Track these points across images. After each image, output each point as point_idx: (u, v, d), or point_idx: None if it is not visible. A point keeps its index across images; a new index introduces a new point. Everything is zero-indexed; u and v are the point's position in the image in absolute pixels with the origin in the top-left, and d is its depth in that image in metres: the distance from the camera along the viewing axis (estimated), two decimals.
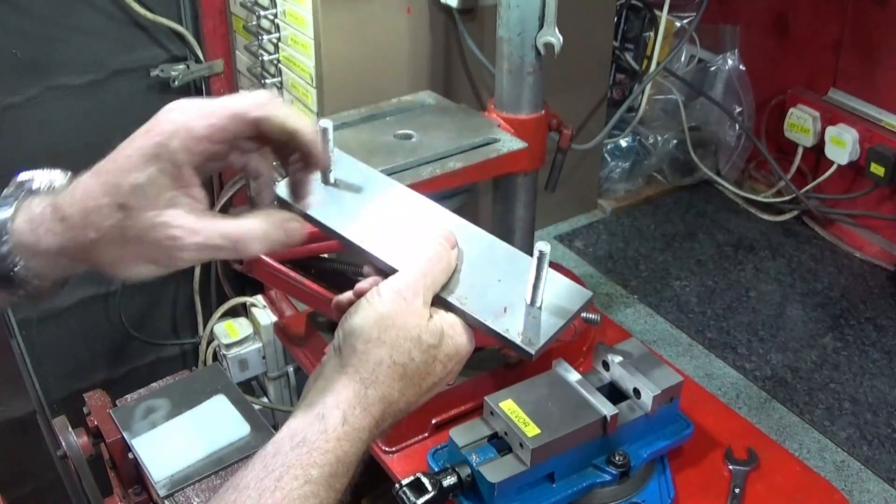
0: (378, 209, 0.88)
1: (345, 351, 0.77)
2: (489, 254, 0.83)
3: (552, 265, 0.80)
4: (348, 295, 0.81)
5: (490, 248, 0.84)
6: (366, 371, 0.76)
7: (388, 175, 1.11)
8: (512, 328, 0.79)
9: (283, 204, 0.84)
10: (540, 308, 0.80)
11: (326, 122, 0.84)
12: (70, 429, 1.44)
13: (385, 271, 0.81)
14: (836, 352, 1.56)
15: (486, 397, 1.11)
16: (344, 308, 0.80)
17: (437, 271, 0.79)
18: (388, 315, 0.76)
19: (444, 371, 0.80)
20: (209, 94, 1.87)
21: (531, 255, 0.79)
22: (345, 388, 0.75)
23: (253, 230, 0.73)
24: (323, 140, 0.85)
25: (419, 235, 0.82)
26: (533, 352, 0.78)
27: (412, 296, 0.77)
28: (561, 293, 0.81)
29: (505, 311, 0.79)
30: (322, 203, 0.87)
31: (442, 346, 0.78)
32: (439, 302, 0.80)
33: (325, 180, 0.90)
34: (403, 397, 0.77)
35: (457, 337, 0.80)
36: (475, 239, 0.84)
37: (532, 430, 1.05)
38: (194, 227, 0.71)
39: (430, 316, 0.78)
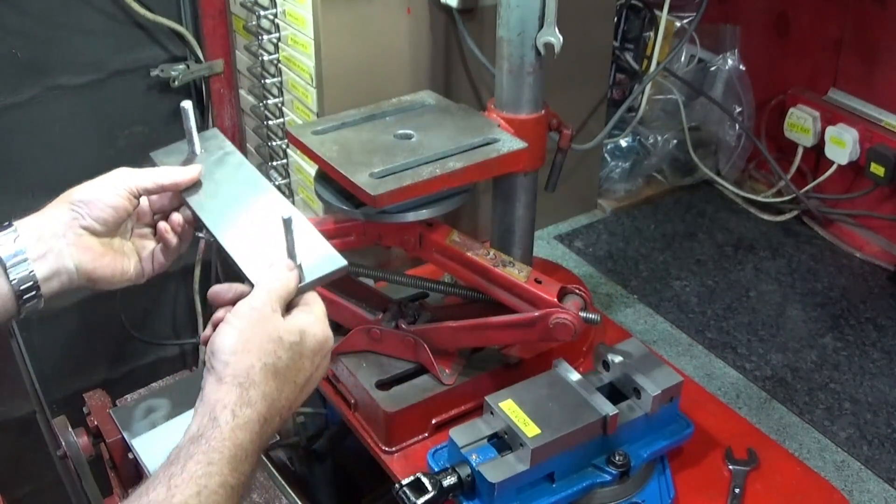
0: (231, 197, 1.05)
1: (217, 367, 0.85)
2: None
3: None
4: (209, 329, 0.92)
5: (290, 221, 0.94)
6: (241, 377, 0.84)
7: (387, 175, 1.11)
8: (260, 275, 0.93)
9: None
10: (299, 267, 0.94)
11: (186, 104, 1.06)
12: (70, 429, 1.44)
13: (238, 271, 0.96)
14: (836, 352, 1.56)
15: (486, 397, 1.11)
16: (208, 339, 0.90)
17: (281, 290, 0.90)
18: (247, 327, 0.86)
19: (313, 366, 0.90)
20: (209, 93, 1.87)
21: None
22: (227, 393, 0.83)
23: None
24: (185, 119, 1.08)
25: (263, 238, 0.98)
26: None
27: (268, 310, 0.88)
28: (317, 259, 0.96)
29: (270, 266, 0.93)
30: (194, 189, 1.06)
31: (304, 342, 0.89)
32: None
33: (192, 152, 1.11)
34: (283, 394, 0.86)
35: (317, 333, 0.90)
36: (283, 211, 0.95)
37: (532, 430, 1.05)
38: None
39: (285, 319, 0.89)
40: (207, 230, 1.03)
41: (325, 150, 1.17)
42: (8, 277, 0.95)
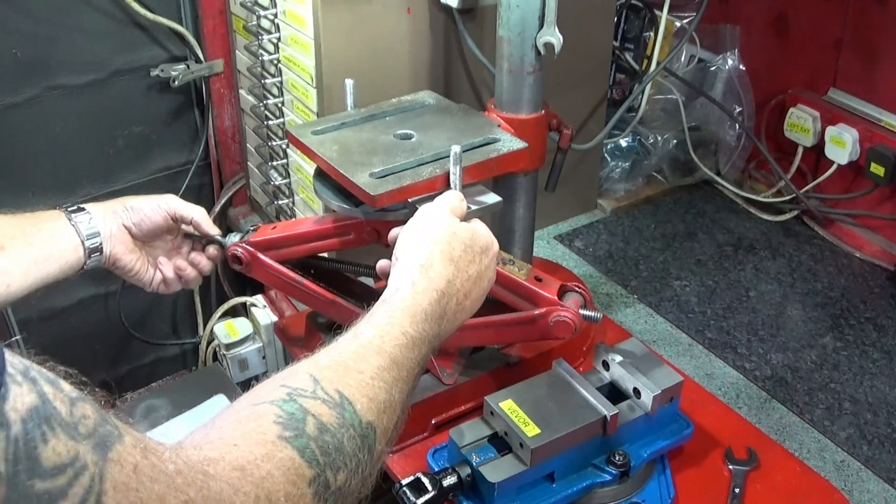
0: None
1: (400, 256, 0.97)
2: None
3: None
4: (396, 230, 1.05)
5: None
6: (421, 259, 0.95)
7: (387, 175, 1.12)
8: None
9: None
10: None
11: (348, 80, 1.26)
12: None
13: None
14: (836, 352, 1.56)
15: (486, 397, 1.11)
16: (385, 268, 1.03)
17: (455, 204, 1.04)
18: (426, 224, 0.99)
19: (482, 265, 1.00)
20: (209, 93, 1.87)
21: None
22: (409, 272, 0.94)
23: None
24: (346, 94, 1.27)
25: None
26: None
27: (444, 212, 1.01)
28: (476, 193, 1.13)
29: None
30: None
31: (475, 239, 1.00)
32: None
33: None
34: (458, 278, 0.96)
35: (485, 235, 1.03)
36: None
37: (532, 430, 1.05)
38: None
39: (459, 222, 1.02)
40: None
41: (325, 150, 1.17)
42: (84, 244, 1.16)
